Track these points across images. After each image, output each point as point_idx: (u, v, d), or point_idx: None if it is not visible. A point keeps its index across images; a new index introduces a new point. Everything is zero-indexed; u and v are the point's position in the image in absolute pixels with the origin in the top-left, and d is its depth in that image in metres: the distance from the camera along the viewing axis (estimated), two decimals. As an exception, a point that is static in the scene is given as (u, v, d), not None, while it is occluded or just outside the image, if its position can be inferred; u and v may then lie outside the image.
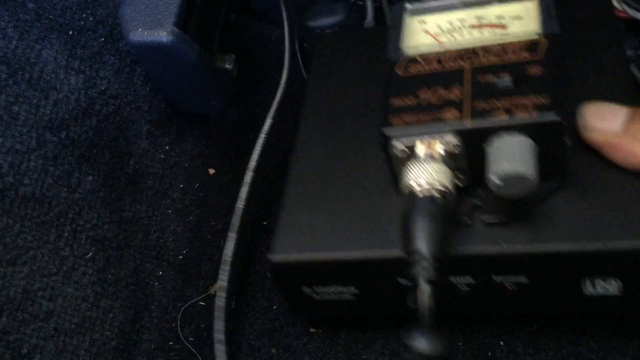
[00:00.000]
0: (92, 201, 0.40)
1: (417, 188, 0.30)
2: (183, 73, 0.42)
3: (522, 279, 0.33)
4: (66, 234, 0.38)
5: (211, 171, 0.49)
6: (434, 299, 0.28)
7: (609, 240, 0.30)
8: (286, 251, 0.35)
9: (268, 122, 0.44)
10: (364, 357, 0.40)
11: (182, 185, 0.47)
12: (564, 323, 0.38)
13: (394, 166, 0.33)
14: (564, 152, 0.31)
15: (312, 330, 0.42)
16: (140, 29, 0.39)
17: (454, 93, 0.32)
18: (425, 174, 0.30)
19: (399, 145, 0.32)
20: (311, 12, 0.54)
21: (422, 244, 0.29)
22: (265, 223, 0.48)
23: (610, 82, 0.36)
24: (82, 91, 0.40)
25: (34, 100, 0.38)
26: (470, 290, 0.34)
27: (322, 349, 0.41)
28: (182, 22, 0.40)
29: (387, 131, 0.32)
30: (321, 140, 0.40)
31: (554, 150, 0.31)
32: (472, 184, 0.33)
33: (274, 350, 0.42)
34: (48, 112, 0.38)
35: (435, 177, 0.30)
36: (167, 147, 0.46)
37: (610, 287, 0.32)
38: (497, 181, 0.29)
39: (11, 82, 0.37)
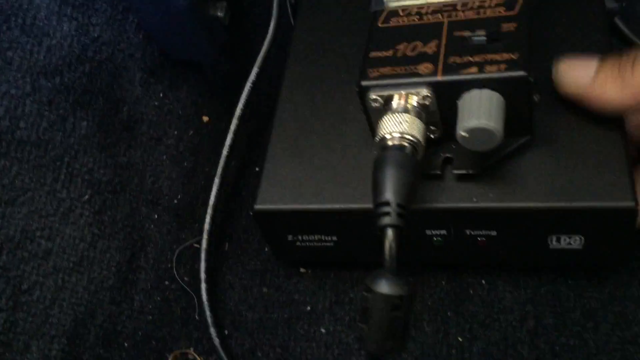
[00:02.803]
0: (88, 146, 0.41)
1: (387, 137, 0.32)
2: (175, 19, 0.42)
3: (492, 233, 0.35)
4: (62, 177, 0.39)
5: (205, 119, 0.50)
6: (397, 244, 0.30)
7: (574, 200, 0.32)
8: (269, 201, 0.37)
9: (254, 71, 0.44)
10: (351, 295, 0.41)
11: (176, 132, 0.48)
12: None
13: (371, 118, 0.34)
14: (531, 108, 0.32)
15: (302, 270, 0.43)
16: (130, -24, 0.40)
17: (431, 47, 0.33)
18: (397, 125, 0.32)
19: (373, 96, 0.33)
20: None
21: (388, 192, 0.30)
22: (257, 169, 0.49)
23: (590, 38, 0.37)
24: (75, 38, 0.41)
25: (28, 46, 0.39)
26: (443, 241, 0.36)
27: (311, 288, 0.42)
28: (173, -32, 0.41)
29: (364, 82, 0.33)
30: (305, 92, 0.41)
31: (522, 106, 0.32)
32: (444, 137, 0.34)
33: (265, 290, 0.43)
34: (42, 57, 0.39)
35: (406, 128, 0.31)
36: (161, 95, 0.47)
37: (574, 242, 0.34)
38: (464, 134, 0.30)
39: (5, 27, 0.38)
